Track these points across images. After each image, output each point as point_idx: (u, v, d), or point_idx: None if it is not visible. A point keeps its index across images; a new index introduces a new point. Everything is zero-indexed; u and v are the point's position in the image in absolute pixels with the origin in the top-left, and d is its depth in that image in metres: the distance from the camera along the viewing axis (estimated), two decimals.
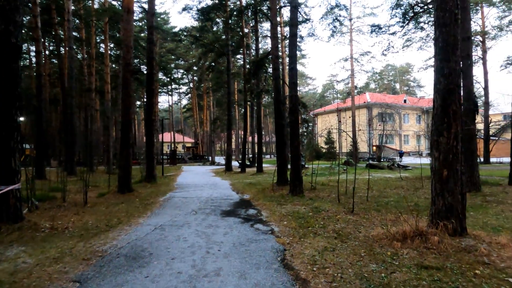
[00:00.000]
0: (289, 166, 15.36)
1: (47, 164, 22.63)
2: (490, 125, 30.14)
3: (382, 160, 32.98)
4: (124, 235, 6.51)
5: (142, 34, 34.33)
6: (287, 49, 19.63)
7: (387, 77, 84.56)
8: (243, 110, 59.59)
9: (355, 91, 39.62)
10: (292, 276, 4.26)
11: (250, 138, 45.82)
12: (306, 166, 25.00)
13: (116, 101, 28.69)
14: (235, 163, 32.43)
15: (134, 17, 21.55)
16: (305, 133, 42.48)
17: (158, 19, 41.26)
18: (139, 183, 16.38)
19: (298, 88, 13.13)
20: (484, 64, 30.99)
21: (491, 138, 30.57)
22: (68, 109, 24.00)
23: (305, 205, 9.48)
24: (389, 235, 5.77)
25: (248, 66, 26.24)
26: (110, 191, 12.90)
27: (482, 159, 27.60)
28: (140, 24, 36.05)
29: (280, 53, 27.27)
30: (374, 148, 42.37)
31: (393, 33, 18.10)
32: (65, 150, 25.06)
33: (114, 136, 28.99)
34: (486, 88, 30.54)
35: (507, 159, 18.93)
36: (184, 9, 24.97)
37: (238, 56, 38.49)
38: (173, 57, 49.93)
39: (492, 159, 29.84)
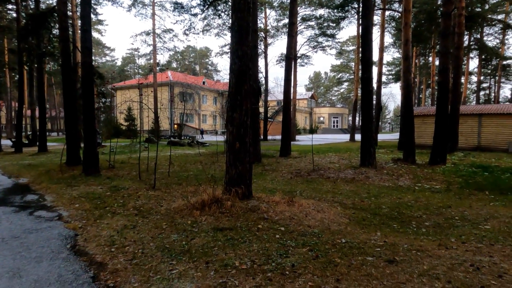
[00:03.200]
0: (82, 145, 13.59)
1: None
2: (268, 108, 36.60)
3: (183, 137, 34.31)
4: None
5: None
6: (79, 8, 16.82)
7: (188, 58, 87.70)
8: (17, 76, 47.87)
9: (157, 68, 39.06)
10: (85, 263, 3.75)
11: (29, 112, 37.41)
12: (103, 144, 22.86)
13: None
14: (6, 142, 25.88)
15: None
16: (102, 108, 38.63)
17: None
18: None
19: (94, 58, 11.57)
20: (266, 57, 37.03)
21: (268, 119, 37.23)
22: None
23: (102, 185, 8.64)
24: (189, 205, 6.04)
25: (24, 20, 20.98)
26: None
27: (262, 137, 33.34)
28: None
29: (70, 13, 23.21)
30: (176, 126, 43.53)
31: (195, 15, 18.75)
32: None
33: None
34: (266, 78, 36.68)
35: (279, 137, 23.71)
36: None
37: (10, 6, 30.27)
38: None
39: (269, 137, 36.53)
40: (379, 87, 25.98)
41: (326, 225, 5.14)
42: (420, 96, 47.55)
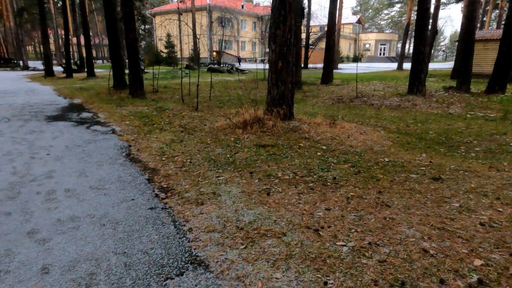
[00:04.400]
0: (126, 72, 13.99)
1: None
2: (310, 34, 34.51)
3: (222, 65, 34.02)
4: None
5: None
6: None
7: None
8: (60, 1, 48.29)
9: None
10: (140, 168, 4.10)
11: (74, 40, 38.35)
12: (146, 71, 23.35)
13: None
14: (58, 68, 27.22)
15: None
16: (142, 36, 38.63)
17: None
18: None
19: None
20: None
21: (310, 46, 35.37)
22: None
23: (148, 106, 9.02)
24: (232, 125, 6.19)
25: None
26: None
27: (302, 65, 32.10)
28: None
29: None
30: (214, 53, 42.95)
31: None
32: None
33: None
34: (309, 0, 33.92)
35: (320, 65, 22.67)
36: None
37: None
38: None
39: (309, 65, 35.10)
40: (437, 7, 23.18)
41: (369, 146, 5.09)
42: (484, 19, 42.05)
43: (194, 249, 2.33)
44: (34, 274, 2.06)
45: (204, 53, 43.00)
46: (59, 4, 48.72)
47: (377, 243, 2.34)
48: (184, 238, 2.48)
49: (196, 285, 1.96)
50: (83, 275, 2.06)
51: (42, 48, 41.89)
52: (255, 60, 45.87)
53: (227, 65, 31.43)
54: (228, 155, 4.54)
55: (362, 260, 2.16)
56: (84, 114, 7.96)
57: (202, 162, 4.25)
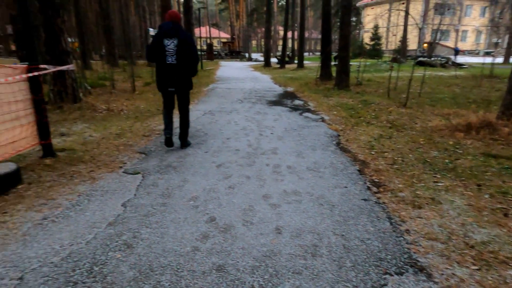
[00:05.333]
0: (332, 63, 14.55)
1: (87, 57, 22.99)
2: None
3: (433, 58, 30.28)
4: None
5: None
6: None
7: None
8: (282, 1, 54.67)
9: None
10: (350, 158, 4.22)
11: (289, 34, 43.02)
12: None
13: None
14: (273, 60, 31.27)
15: None
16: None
17: None
18: None
19: None
20: None
21: None
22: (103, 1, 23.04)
23: (353, 98, 9.11)
24: (450, 126, 5.45)
25: None
26: (154, 81, 13.03)
27: None
28: None
29: None
30: (425, 45, 38.64)
31: None
32: (105, 44, 25.04)
33: (147, 28, 28.18)
34: None
35: None
36: None
37: None
38: None
39: None
40: None
41: None
42: None
43: (414, 252, 2.22)
44: (270, 231, 2.49)
45: (413, 45, 39.41)
46: (280, 3, 55.46)
47: None
48: (402, 238, 2.40)
49: None
50: (308, 244, 2.32)
51: (263, 42, 48.99)
52: (477, 53, 38.39)
53: (440, 58, 27.72)
54: (446, 160, 4.04)
55: None
56: (296, 102, 8.86)
57: (416, 163, 3.95)
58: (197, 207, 2.86)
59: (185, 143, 4.64)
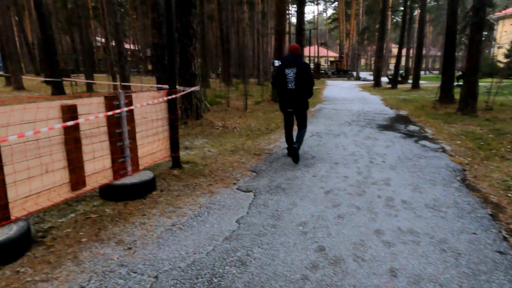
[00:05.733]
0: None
1: (206, 76, 25.68)
2: None
3: None
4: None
5: None
6: None
7: None
8: (396, 18, 51.86)
9: None
10: (479, 198, 3.69)
11: (403, 51, 40.24)
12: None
13: (264, 13, 28.98)
14: (383, 79, 29.69)
15: None
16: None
17: None
18: None
19: None
20: None
21: None
22: (224, 24, 25.64)
23: (481, 126, 7.96)
24: None
25: None
26: (264, 99, 13.78)
27: None
28: None
29: None
30: None
31: None
32: (222, 64, 27.64)
33: (262, 50, 30.01)
34: None
35: None
36: None
37: None
38: None
39: None
40: None
41: None
42: None
43: None
44: (384, 272, 2.34)
45: None
46: (394, 20, 52.64)
47: None
48: None
49: None
50: None
51: (373, 61, 46.96)
52: None
53: None
54: None
55: None
56: (411, 127, 8.19)
57: None
58: (306, 234, 2.89)
59: (297, 157, 5.15)
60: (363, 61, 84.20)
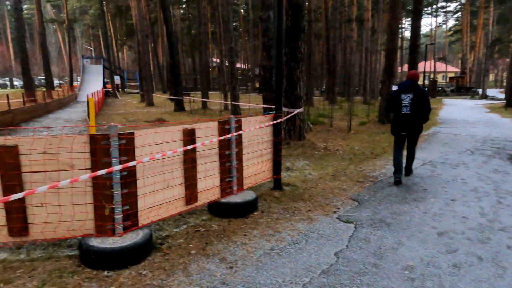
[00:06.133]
0: None
1: (310, 94, 25.83)
2: None
3: None
4: (391, 165, 6.42)
5: None
6: None
7: None
8: None
9: None
10: None
11: None
12: None
13: (374, 30, 27.85)
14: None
15: None
16: None
17: None
18: None
19: None
20: None
21: None
22: (331, 41, 25.59)
23: None
24: None
25: None
26: (370, 120, 13.14)
27: None
28: None
29: None
30: None
31: None
32: (327, 82, 27.52)
33: (370, 68, 28.83)
34: None
35: None
36: None
37: None
38: None
39: None
40: None
41: None
42: None
43: None
44: None
45: None
46: None
47: None
48: None
49: None
50: None
51: (504, 76, 40.44)
52: None
53: None
54: None
55: None
56: None
57: None
58: (413, 281, 2.62)
59: (409, 172, 5.55)
60: (491, 77, 73.17)
